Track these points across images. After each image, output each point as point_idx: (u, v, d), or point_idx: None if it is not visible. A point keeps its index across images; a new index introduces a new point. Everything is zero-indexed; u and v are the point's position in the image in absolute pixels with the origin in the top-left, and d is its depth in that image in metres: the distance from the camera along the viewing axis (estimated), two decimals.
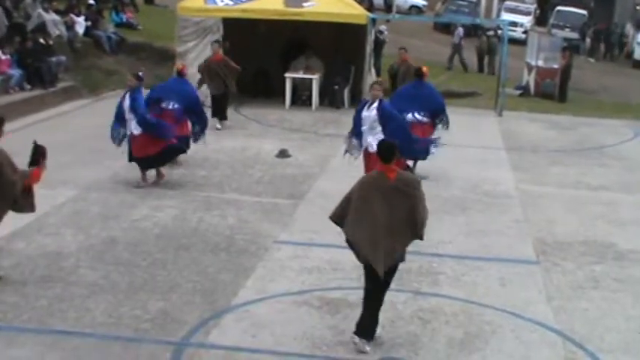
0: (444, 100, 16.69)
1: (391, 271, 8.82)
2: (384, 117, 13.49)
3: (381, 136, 12.67)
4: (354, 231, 8.63)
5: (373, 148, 12.68)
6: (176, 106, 15.79)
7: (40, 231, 11.94)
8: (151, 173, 14.78)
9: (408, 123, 15.28)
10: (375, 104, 13.57)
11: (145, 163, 14.70)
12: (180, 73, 16.72)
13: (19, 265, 10.70)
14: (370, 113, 13.55)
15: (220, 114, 20.00)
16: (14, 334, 8.84)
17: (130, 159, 14.77)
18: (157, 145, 14.49)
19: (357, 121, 13.91)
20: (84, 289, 10.01)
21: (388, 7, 46.86)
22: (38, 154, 10.39)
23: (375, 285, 8.75)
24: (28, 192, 10.26)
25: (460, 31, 35.48)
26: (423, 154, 15.14)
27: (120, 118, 14.73)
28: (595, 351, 9.17)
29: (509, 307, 10.14)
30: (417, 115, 15.87)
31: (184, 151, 15.45)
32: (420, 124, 15.76)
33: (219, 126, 19.66)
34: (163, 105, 15.79)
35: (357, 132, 13.95)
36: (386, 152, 8.74)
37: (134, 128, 14.45)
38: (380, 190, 8.57)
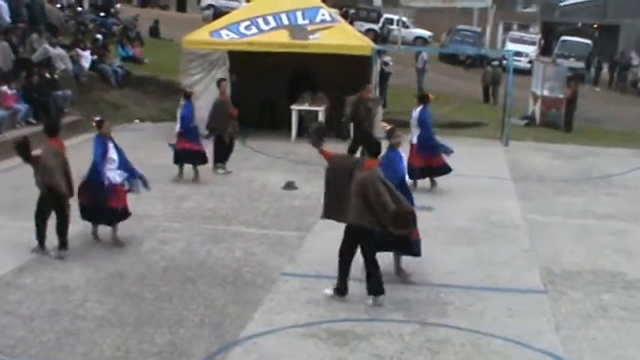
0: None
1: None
2: None
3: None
4: None
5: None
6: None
7: (47, 265, 11.94)
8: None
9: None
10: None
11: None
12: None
13: (26, 299, 10.70)
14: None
15: (227, 156, 18.95)
16: None
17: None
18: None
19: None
20: (91, 323, 10.01)
21: (383, 39, 46.99)
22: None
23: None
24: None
25: (424, 55, 35.85)
26: None
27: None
28: None
29: (517, 337, 10.10)
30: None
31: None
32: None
33: (222, 171, 18.56)
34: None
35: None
36: None
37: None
38: None
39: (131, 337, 9.66)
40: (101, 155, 12.90)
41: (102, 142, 13.01)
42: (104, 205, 12.91)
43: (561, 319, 10.77)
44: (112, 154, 13.02)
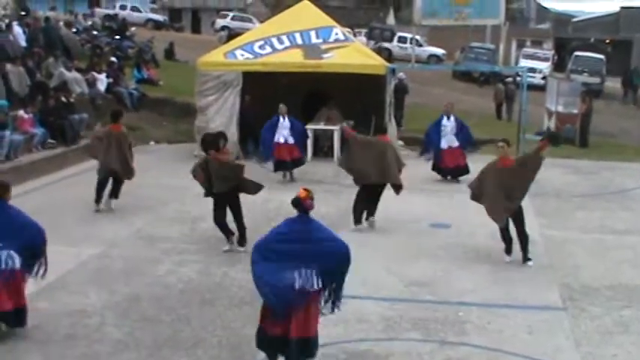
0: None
1: None
2: None
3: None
4: None
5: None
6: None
7: (63, 289, 11.93)
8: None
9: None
10: None
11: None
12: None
13: (42, 324, 10.66)
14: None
15: None
16: None
17: None
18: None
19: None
20: (108, 347, 9.98)
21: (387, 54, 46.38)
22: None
23: None
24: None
25: None
26: None
27: None
28: None
29: (537, 354, 10.02)
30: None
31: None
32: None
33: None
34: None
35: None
36: None
37: None
38: None
39: None
40: None
41: None
42: None
43: (581, 336, 10.69)
44: None
